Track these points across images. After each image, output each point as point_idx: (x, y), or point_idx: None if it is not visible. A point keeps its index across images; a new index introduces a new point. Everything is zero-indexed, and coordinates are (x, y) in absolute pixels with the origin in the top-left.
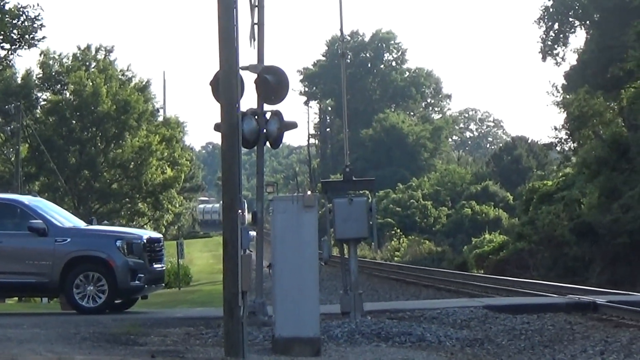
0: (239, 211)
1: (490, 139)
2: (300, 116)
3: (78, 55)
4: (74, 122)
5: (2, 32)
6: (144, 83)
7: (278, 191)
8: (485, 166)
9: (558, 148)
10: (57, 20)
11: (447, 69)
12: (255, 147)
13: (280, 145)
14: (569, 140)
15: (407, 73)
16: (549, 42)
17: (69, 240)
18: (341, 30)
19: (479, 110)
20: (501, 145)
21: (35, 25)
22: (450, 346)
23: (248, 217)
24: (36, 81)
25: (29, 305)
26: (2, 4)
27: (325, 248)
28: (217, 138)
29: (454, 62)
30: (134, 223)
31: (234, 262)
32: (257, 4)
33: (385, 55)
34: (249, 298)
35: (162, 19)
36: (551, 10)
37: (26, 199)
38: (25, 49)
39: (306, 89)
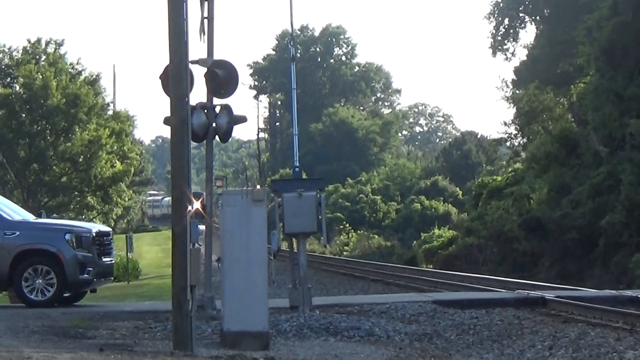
0: (195, 202)
1: (439, 133)
2: (250, 110)
3: (28, 48)
4: (24, 115)
5: None
6: (94, 77)
7: (227, 185)
8: (434, 161)
9: (508, 143)
10: (7, 13)
11: (397, 64)
12: (205, 141)
13: (230, 139)
14: (518, 135)
15: (357, 68)
16: (499, 38)
17: (17, 233)
18: (292, 37)
19: (429, 105)
20: (451, 140)
21: None
22: (398, 341)
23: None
24: None
25: None
26: None
27: (274, 241)
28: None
29: (404, 57)
30: (83, 216)
31: (182, 256)
32: None
33: (335, 49)
34: (198, 292)
35: (112, 12)
36: (501, 5)
37: None
38: None
39: (256, 83)
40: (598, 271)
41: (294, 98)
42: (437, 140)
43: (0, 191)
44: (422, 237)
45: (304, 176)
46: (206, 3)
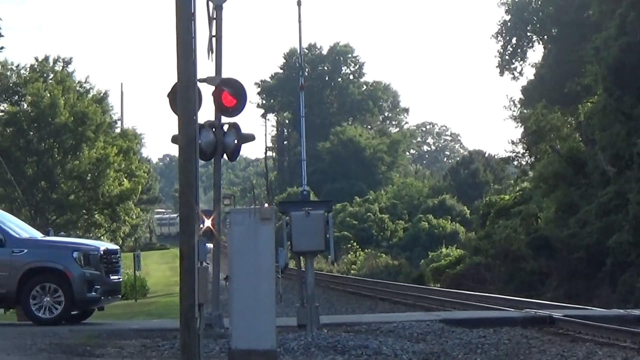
0: (206, 220)
1: (447, 152)
2: (258, 129)
3: (36, 66)
4: (31, 133)
5: None
6: (101, 95)
7: (235, 204)
8: (442, 180)
9: (515, 162)
10: (15, 31)
11: (405, 83)
12: (213, 160)
13: (238, 157)
14: (526, 154)
15: (365, 86)
16: (507, 57)
17: (25, 251)
18: (301, 64)
19: (437, 124)
20: (458, 159)
21: None
22: (406, 359)
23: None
24: None
25: None
26: None
27: (281, 257)
28: (174, 150)
29: (412, 75)
30: (91, 234)
31: (190, 275)
32: (215, 16)
33: (342, 68)
34: (206, 310)
35: (120, 30)
36: (509, 24)
37: None
38: None
39: (264, 102)
40: (605, 290)
41: (303, 125)
42: (445, 159)
43: (8, 209)
44: (430, 256)
45: (311, 196)
46: (214, 22)
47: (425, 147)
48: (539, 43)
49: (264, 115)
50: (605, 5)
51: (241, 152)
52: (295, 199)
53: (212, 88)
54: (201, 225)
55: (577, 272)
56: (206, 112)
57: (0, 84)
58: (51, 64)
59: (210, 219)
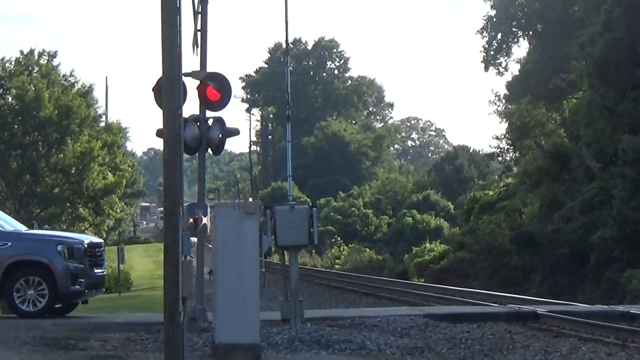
0: (204, 218)
1: (432, 148)
2: (242, 123)
3: (21, 59)
4: (16, 126)
5: None
6: (86, 88)
7: (219, 198)
8: (426, 175)
9: (500, 158)
10: (0, 24)
11: (390, 78)
12: (197, 154)
13: (222, 151)
14: (510, 150)
15: (350, 81)
16: (492, 52)
17: (9, 244)
18: (287, 62)
19: (421, 119)
20: (443, 154)
21: None
22: (390, 354)
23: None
24: None
25: None
26: None
27: (265, 242)
28: (159, 144)
29: (397, 70)
30: (75, 228)
31: (174, 268)
32: (200, 10)
33: (327, 63)
34: (190, 304)
35: (105, 24)
36: (494, 20)
37: None
38: None
39: (248, 96)
40: (589, 286)
41: (289, 151)
42: (429, 155)
43: None
44: (414, 251)
45: (296, 191)
46: (199, 16)
47: (410, 143)
48: (524, 39)
49: (248, 110)
50: (590, 2)
51: (225, 147)
52: (279, 195)
53: (197, 82)
54: (196, 222)
55: (561, 268)
56: (191, 106)
57: None
58: (36, 57)
59: (208, 217)
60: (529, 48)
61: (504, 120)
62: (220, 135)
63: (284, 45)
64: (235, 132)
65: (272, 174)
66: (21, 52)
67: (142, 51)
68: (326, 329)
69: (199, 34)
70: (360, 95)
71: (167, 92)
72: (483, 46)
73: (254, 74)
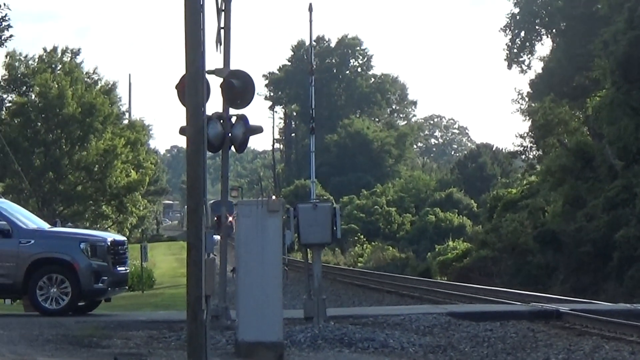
0: (229, 217)
1: (455, 146)
2: (266, 121)
3: (44, 57)
4: (39, 124)
5: None
6: (109, 86)
7: (242, 196)
8: (449, 173)
9: (523, 156)
10: (24, 21)
11: (413, 76)
12: (220, 151)
13: (245, 149)
14: (533, 148)
15: (373, 79)
16: (515, 50)
17: (33, 242)
18: (311, 65)
19: (444, 117)
20: (466, 152)
21: (2, 25)
22: (413, 352)
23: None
24: (1, 83)
25: None
26: None
27: (288, 237)
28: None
29: (420, 68)
30: (98, 225)
31: (197, 266)
32: (224, 8)
33: (351, 61)
34: (213, 302)
35: (129, 22)
36: (518, 18)
37: None
38: None
39: (272, 94)
40: (612, 285)
41: (312, 168)
42: (452, 153)
43: (15, 199)
44: (437, 249)
45: (318, 189)
46: (223, 13)
47: (433, 140)
48: (547, 36)
49: (271, 108)
50: None
51: (249, 144)
52: (303, 193)
53: (220, 80)
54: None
55: (583, 266)
56: (214, 104)
57: (8, 75)
58: (59, 54)
59: (232, 217)
60: (552, 46)
61: (527, 118)
62: (244, 133)
63: (307, 46)
64: (258, 129)
65: (295, 172)
66: (44, 49)
67: (165, 48)
68: (349, 327)
69: (222, 31)
70: (384, 93)
71: (191, 89)
72: (506, 44)
73: (277, 72)
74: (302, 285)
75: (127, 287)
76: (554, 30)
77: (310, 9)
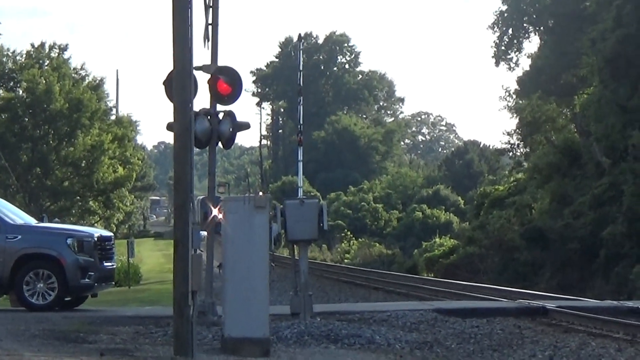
0: (215, 210)
1: (442, 143)
2: (253, 117)
3: (31, 52)
4: (27, 119)
5: None
6: (97, 81)
7: (229, 192)
8: (437, 170)
9: (510, 153)
10: (11, 17)
11: (400, 72)
12: (208, 147)
13: (232, 145)
14: (521, 145)
15: (360, 76)
16: (503, 47)
17: (19, 237)
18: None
19: (432, 114)
20: (453, 149)
21: None
22: (399, 349)
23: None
24: None
25: None
26: None
27: (274, 230)
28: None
29: (408, 65)
30: (85, 221)
31: (184, 262)
32: (211, 4)
33: (338, 57)
34: (199, 298)
35: (116, 17)
36: (506, 15)
37: None
38: None
39: (259, 90)
40: (599, 282)
41: (300, 171)
42: (440, 149)
43: (2, 195)
44: (424, 246)
45: (306, 185)
46: (211, 10)
47: (420, 137)
48: (535, 34)
49: (259, 104)
50: None
51: (236, 140)
52: (290, 189)
53: (208, 76)
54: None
55: (570, 263)
56: (201, 100)
57: None
58: (47, 50)
59: (217, 208)
60: (540, 43)
61: (515, 115)
62: (231, 129)
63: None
64: (245, 126)
65: (282, 168)
66: (32, 45)
67: (153, 44)
68: (335, 323)
69: (210, 27)
70: (371, 90)
71: (178, 85)
72: (494, 41)
73: (264, 68)
74: (289, 282)
75: (113, 283)
76: (541, 28)
77: (300, 39)
